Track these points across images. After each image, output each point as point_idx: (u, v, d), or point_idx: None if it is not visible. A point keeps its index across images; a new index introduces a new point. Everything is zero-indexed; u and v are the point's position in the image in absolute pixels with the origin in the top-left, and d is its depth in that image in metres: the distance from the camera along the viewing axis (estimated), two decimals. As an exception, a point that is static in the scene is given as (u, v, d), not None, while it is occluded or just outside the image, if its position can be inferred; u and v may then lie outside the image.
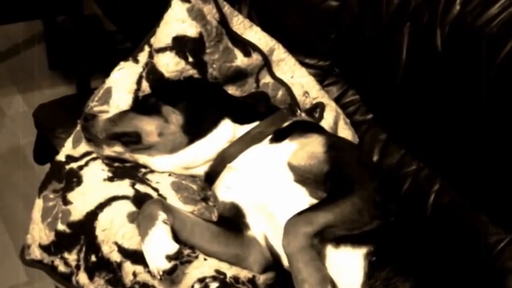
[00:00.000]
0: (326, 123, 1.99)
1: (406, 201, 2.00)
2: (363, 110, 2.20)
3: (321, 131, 1.78)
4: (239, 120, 1.78)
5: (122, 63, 1.96)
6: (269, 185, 1.63)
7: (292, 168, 1.61)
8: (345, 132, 2.06)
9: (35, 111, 2.34)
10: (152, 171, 1.79)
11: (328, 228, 1.43)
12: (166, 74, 1.88)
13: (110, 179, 1.72)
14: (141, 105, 1.83)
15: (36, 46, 4.07)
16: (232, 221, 1.69)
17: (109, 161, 1.78)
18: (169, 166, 1.77)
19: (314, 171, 1.57)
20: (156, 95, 1.83)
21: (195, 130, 1.74)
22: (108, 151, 1.76)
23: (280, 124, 1.77)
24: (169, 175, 1.78)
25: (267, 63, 2.06)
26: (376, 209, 1.47)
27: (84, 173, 1.74)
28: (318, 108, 2.03)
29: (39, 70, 3.93)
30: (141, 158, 1.77)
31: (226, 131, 1.75)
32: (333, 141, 1.65)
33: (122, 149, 1.75)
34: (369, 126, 2.17)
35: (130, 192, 1.68)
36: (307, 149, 1.61)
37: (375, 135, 2.14)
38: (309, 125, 1.81)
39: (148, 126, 1.73)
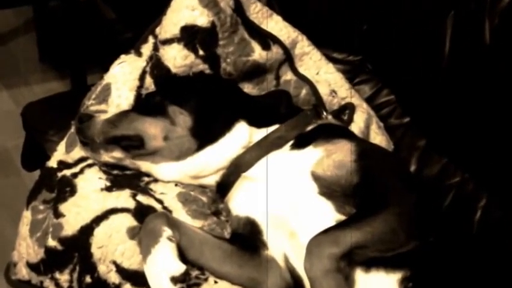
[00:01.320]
0: (356, 127, 1.99)
1: (449, 218, 1.99)
2: (399, 112, 2.19)
3: (350, 136, 1.78)
4: (256, 122, 1.78)
5: (123, 57, 1.97)
6: (290, 198, 1.63)
7: (317, 178, 1.61)
8: (378, 137, 2.06)
9: (24, 110, 2.37)
10: (156, 180, 1.79)
11: (358, 250, 1.43)
12: (173, 69, 1.89)
13: (108, 189, 1.72)
14: (145, 105, 1.83)
15: (25, 35, 4.11)
16: (247, 239, 1.69)
17: (107, 168, 1.79)
18: (176, 174, 1.78)
19: (342, 182, 1.57)
20: (162, 92, 1.84)
21: (205, 134, 1.75)
22: (106, 157, 1.77)
23: (303, 128, 1.77)
24: (176, 185, 1.79)
25: (288, 58, 2.06)
26: (414, 228, 1.47)
27: (79, 181, 1.75)
28: (347, 109, 2.03)
29: (28, 63, 3.96)
30: (144, 165, 1.78)
31: (241, 135, 1.76)
32: (364, 149, 1.64)
33: (121, 154, 1.76)
34: (405, 130, 2.16)
35: (131, 204, 1.69)
36: (334, 157, 1.61)
37: (412, 141, 2.14)
38: (337, 130, 1.81)
39: (152, 129, 1.74)
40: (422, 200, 1.54)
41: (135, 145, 1.74)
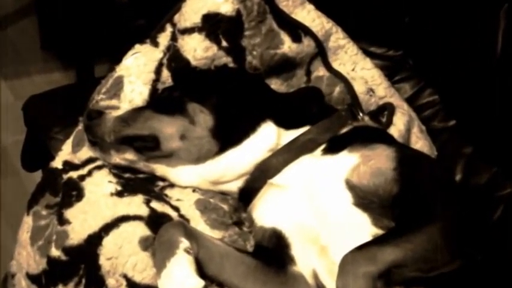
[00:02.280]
0: (396, 130, 1.98)
1: (499, 233, 1.97)
2: (443, 115, 2.19)
3: (389, 140, 1.77)
4: (284, 123, 1.77)
5: (137, 47, 1.97)
6: (321, 209, 1.62)
7: (352, 187, 1.60)
8: (420, 142, 2.05)
9: (25, 104, 2.37)
10: (172, 185, 1.79)
11: (397, 269, 1.41)
12: (193, 62, 1.89)
13: (119, 194, 1.72)
14: (161, 101, 1.84)
15: (25, 20, 4.12)
16: (273, 253, 1.68)
17: (118, 170, 1.79)
18: (194, 179, 1.78)
19: (380, 192, 1.56)
20: (181, 88, 1.84)
21: (228, 135, 1.74)
22: (117, 158, 1.77)
23: (336, 130, 1.76)
24: (194, 191, 1.79)
25: (321, 51, 2.05)
26: (459, 245, 1.46)
27: (87, 184, 1.75)
28: (386, 110, 2.01)
29: (28, 51, 3.98)
30: (159, 169, 1.78)
31: (268, 137, 1.75)
32: (404, 155, 1.63)
33: (134, 156, 1.76)
34: (450, 135, 2.16)
35: (144, 211, 1.69)
36: (371, 164, 1.60)
37: (458, 147, 2.13)
38: (374, 133, 1.80)
39: (169, 129, 1.73)
40: (469, 214, 1.53)
41: (149, 146, 1.74)
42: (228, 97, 1.78)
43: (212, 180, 1.77)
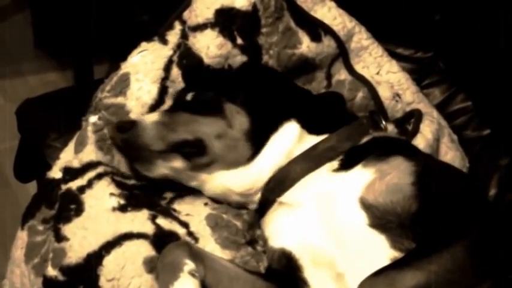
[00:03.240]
0: (423, 139, 1.97)
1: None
2: (477, 123, 2.18)
3: (408, 152, 1.73)
4: (308, 126, 1.77)
5: (144, 45, 1.97)
6: (335, 232, 1.61)
7: (367, 207, 1.58)
8: (450, 153, 2.04)
9: (19, 109, 2.38)
10: (182, 198, 1.80)
11: None
12: (206, 60, 1.89)
13: (122, 209, 1.72)
14: (197, 102, 1.82)
15: (18, 16, 4.13)
16: (284, 275, 1.68)
17: (122, 178, 1.79)
18: (225, 187, 1.77)
19: (398, 211, 1.54)
20: (215, 87, 1.83)
21: (259, 138, 1.75)
22: (164, 169, 1.74)
23: (357, 139, 1.76)
24: (206, 204, 1.79)
25: (342, 52, 2.06)
26: (488, 264, 1.44)
27: (87, 198, 1.75)
28: (413, 117, 2.00)
29: (21, 49, 3.98)
30: (201, 177, 1.77)
31: (290, 137, 1.75)
32: (425, 168, 1.61)
33: (182, 163, 1.73)
34: (485, 145, 2.15)
35: (149, 228, 1.68)
36: (387, 180, 1.58)
37: (493, 158, 2.13)
38: (394, 144, 1.79)
39: (214, 132, 1.73)
40: (499, 232, 1.51)
41: (197, 152, 1.73)
42: (260, 97, 1.79)
43: (243, 191, 1.77)
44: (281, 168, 1.73)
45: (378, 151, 1.67)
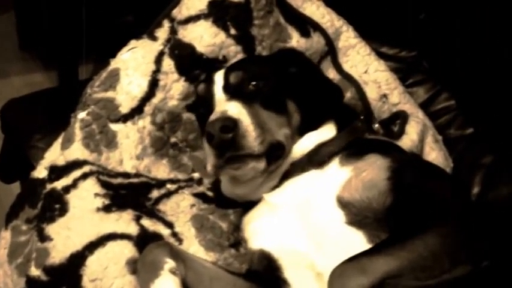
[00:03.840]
0: (408, 139, 1.98)
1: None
2: (461, 122, 2.18)
3: (384, 149, 1.72)
4: (340, 125, 1.78)
5: (133, 42, 1.98)
6: (313, 231, 1.61)
7: (344, 205, 1.58)
8: (434, 153, 2.04)
9: (3, 109, 2.37)
10: (168, 198, 1.80)
11: (391, 279, 1.39)
12: (200, 49, 1.91)
13: (106, 209, 1.71)
14: (265, 96, 1.76)
15: (2, 17, 4.11)
16: (264, 275, 1.68)
17: (109, 177, 1.77)
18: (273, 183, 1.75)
19: (373, 206, 1.55)
20: (276, 85, 1.79)
21: (305, 131, 1.75)
22: (252, 171, 1.68)
23: (348, 141, 1.75)
24: (192, 206, 1.79)
25: (331, 50, 2.07)
26: (462, 251, 1.44)
27: (71, 198, 1.74)
28: (399, 119, 2.00)
29: (6, 50, 3.97)
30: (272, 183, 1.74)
31: (326, 135, 1.76)
32: (401, 163, 1.62)
33: (265, 165, 1.68)
34: (468, 144, 2.15)
35: (133, 229, 1.68)
36: (363, 176, 1.59)
37: (476, 157, 2.11)
38: (369, 143, 1.79)
39: (286, 133, 1.72)
40: (475, 219, 1.51)
41: (279, 155, 1.71)
42: (307, 92, 1.78)
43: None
44: (293, 162, 1.73)
45: (354, 149, 1.68)
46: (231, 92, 1.74)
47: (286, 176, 1.72)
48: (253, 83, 1.74)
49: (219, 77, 1.78)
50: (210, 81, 1.80)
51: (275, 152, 1.68)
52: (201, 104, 1.81)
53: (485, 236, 1.49)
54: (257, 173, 1.68)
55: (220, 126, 1.60)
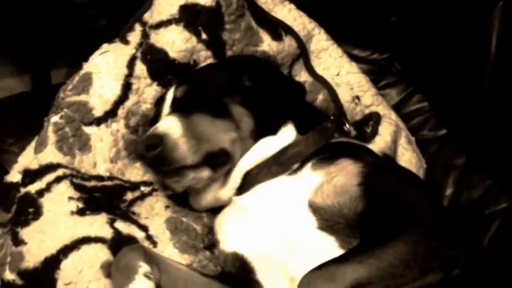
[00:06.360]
0: (382, 141, 1.97)
1: (493, 250, 1.98)
2: (433, 123, 2.19)
3: (357, 154, 1.71)
4: (301, 127, 1.78)
5: (106, 46, 1.97)
6: (285, 235, 1.61)
7: (315, 210, 1.59)
8: (407, 154, 2.04)
9: (-25, 114, 2.35)
10: (142, 200, 1.80)
11: (361, 287, 1.39)
12: (172, 54, 1.91)
13: (80, 212, 1.70)
14: (204, 102, 1.78)
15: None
16: (238, 278, 1.68)
17: (82, 180, 1.77)
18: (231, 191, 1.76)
19: (345, 212, 1.55)
20: (219, 86, 1.81)
21: (262, 135, 1.75)
22: (194, 180, 1.71)
23: (320, 144, 1.75)
24: (167, 207, 1.79)
25: (303, 53, 2.07)
26: (432, 259, 1.44)
27: (45, 201, 1.73)
28: (371, 120, 2.00)
29: (-22, 55, 3.94)
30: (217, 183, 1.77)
31: (285, 140, 1.75)
32: (373, 168, 1.61)
33: (209, 173, 1.71)
34: (441, 145, 2.16)
35: (107, 232, 1.67)
36: (334, 182, 1.59)
37: (449, 158, 2.13)
38: (342, 146, 1.78)
39: (230, 138, 1.72)
40: (446, 227, 1.51)
41: (223, 162, 1.72)
42: (261, 95, 1.78)
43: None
44: (257, 165, 1.73)
45: (326, 154, 1.67)
46: (175, 106, 1.77)
47: (255, 179, 1.71)
48: (197, 93, 1.77)
49: (169, 94, 1.81)
50: (161, 101, 1.84)
51: (218, 158, 1.70)
52: (152, 124, 1.81)
53: (456, 243, 1.49)
54: (204, 181, 1.72)
55: (145, 145, 1.64)
